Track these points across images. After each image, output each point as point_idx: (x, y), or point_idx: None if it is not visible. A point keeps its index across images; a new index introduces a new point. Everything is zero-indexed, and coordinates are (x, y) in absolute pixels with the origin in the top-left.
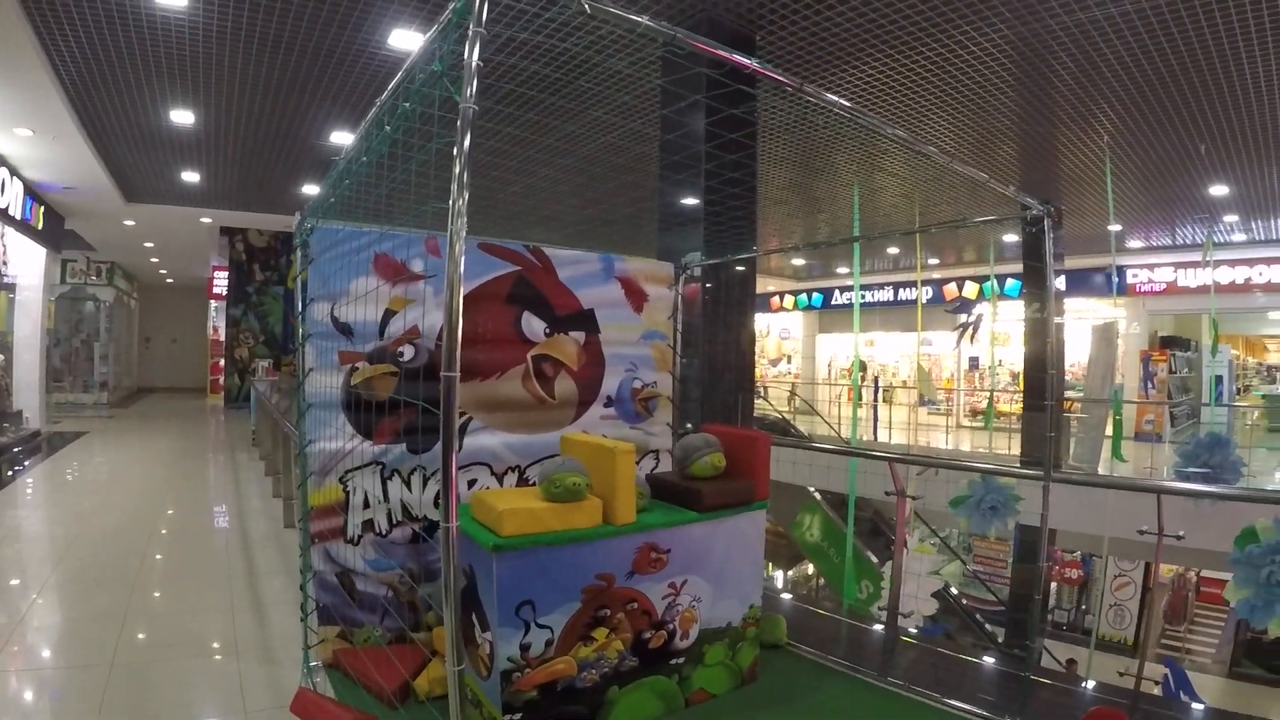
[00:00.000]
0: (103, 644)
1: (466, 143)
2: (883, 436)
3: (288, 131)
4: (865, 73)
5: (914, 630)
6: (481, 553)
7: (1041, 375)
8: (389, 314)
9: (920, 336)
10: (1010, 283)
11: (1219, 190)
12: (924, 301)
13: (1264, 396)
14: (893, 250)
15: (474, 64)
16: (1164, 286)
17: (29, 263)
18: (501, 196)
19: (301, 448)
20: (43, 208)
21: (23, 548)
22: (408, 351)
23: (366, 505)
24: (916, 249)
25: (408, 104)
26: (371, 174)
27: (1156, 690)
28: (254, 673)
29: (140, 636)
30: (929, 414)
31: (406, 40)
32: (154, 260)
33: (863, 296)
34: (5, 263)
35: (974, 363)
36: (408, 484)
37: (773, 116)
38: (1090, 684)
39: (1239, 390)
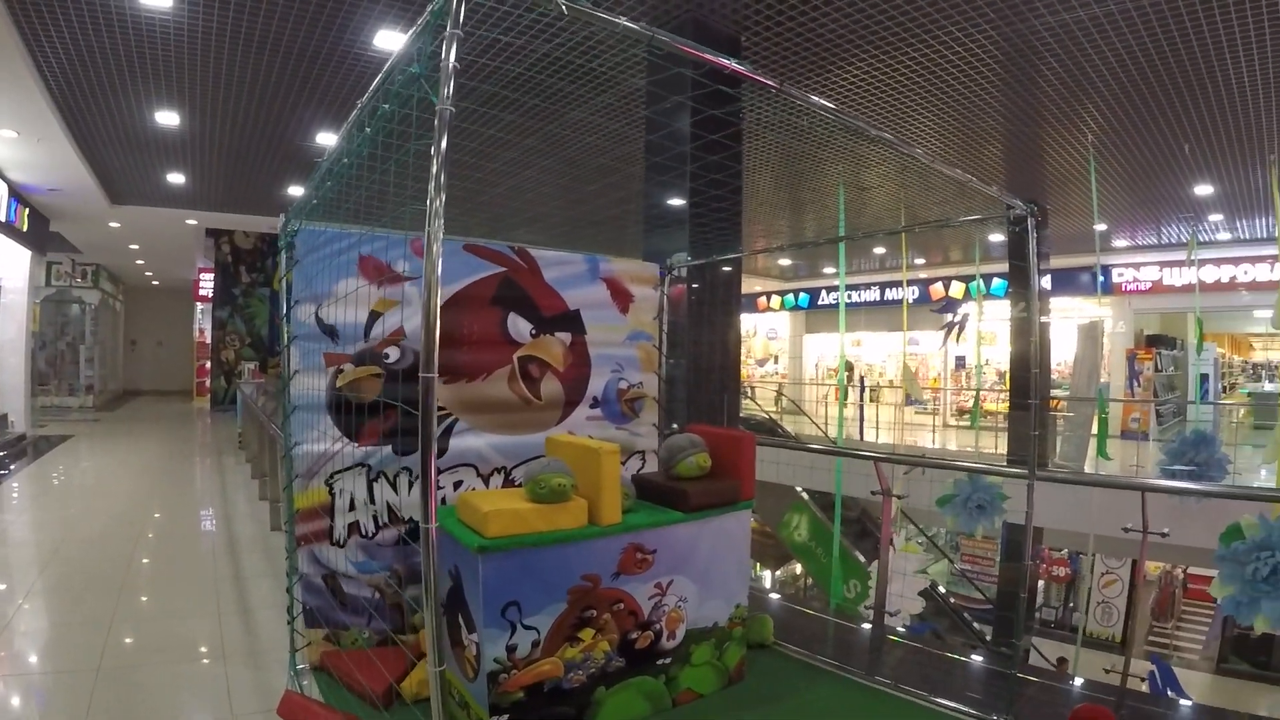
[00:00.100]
0: (89, 649)
1: (444, 144)
2: (869, 436)
3: (273, 133)
4: (851, 74)
5: (901, 629)
6: (467, 554)
7: (1027, 374)
8: (374, 316)
9: (906, 336)
10: (996, 282)
11: (1203, 189)
12: (910, 301)
13: (1249, 394)
14: (879, 250)
15: (451, 65)
16: (1149, 285)
17: (13, 265)
18: (486, 198)
19: (287, 450)
20: (28, 210)
21: (8, 552)
22: (393, 353)
23: (352, 507)
24: (902, 249)
25: (387, 106)
26: (354, 176)
27: (1143, 687)
28: (241, 676)
29: (127, 641)
30: (915, 413)
31: (391, 41)
32: (139, 262)
33: (849, 296)
34: None
35: (960, 362)
36: (393, 486)
37: (758, 117)
38: (1078, 681)
39: (1225, 388)
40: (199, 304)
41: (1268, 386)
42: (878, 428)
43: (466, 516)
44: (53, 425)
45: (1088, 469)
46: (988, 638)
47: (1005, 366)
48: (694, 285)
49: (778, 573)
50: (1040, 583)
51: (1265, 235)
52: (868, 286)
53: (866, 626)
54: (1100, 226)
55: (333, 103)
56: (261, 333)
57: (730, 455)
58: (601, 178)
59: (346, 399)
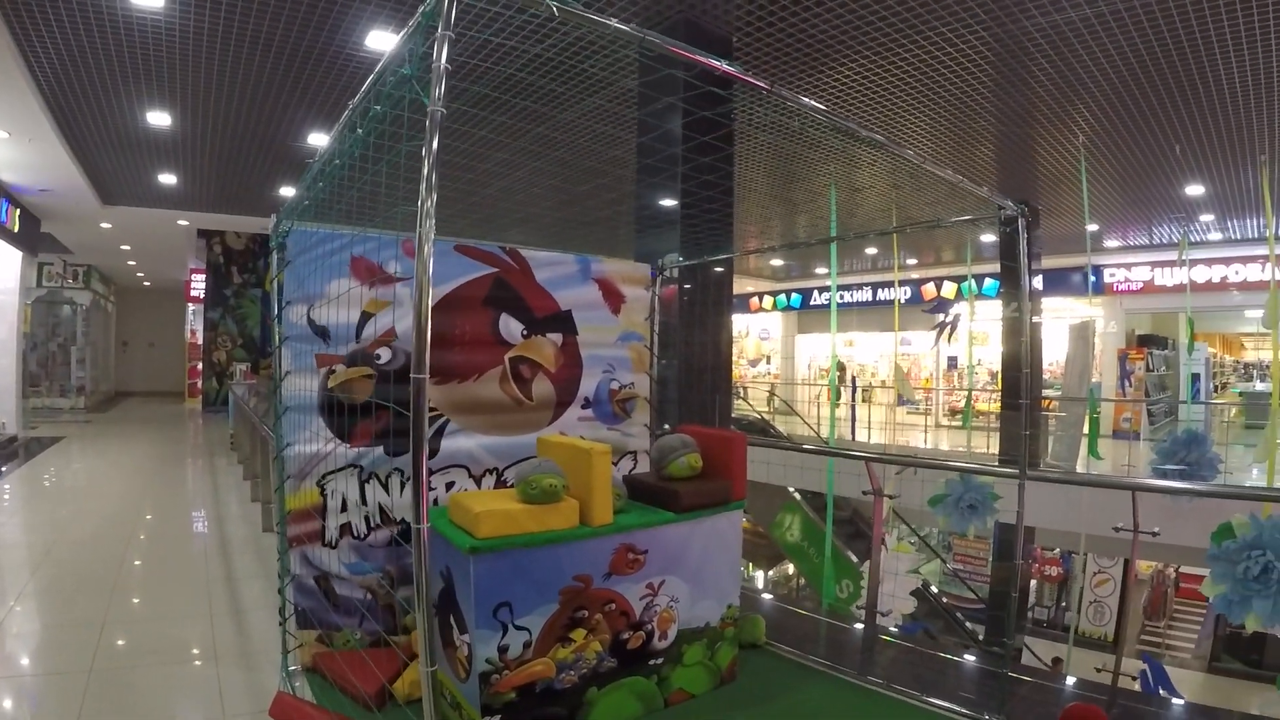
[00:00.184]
0: (81, 650)
1: (435, 145)
2: (861, 436)
3: (265, 133)
4: (843, 75)
5: (893, 629)
6: (458, 555)
7: (1019, 374)
8: (366, 316)
9: (898, 336)
10: (988, 282)
11: (1194, 190)
12: (902, 301)
13: (1241, 394)
14: (871, 251)
15: (442, 66)
16: (1140, 285)
17: (4, 266)
18: (478, 198)
19: (279, 451)
20: (18, 210)
21: (0, 554)
22: (384, 354)
23: (344, 509)
24: (894, 249)
25: (379, 107)
26: (345, 176)
27: (1135, 686)
28: (233, 678)
29: (119, 643)
30: (907, 413)
31: (384, 41)
32: (131, 263)
33: (841, 297)
34: None
35: (952, 362)
36: (385, 487)
37: (750, 118)
38: (1070, 680)
39: (1216, 388)
40: (190, 305)
41: (1259, 386)
42: (869, 428)
43: (458, 517)
44: (44, 427)
45: (1079, 468)
46: (980, 637)
47: (997, 366)
48: (686, 286)
49: (770, 573)
50: (1032, 582)
51: (1256, 235)
52: (860, 287)
53: (859, 626)
54: (1092, 227)
55: (324, 103)
56: (253, 334)
57: (722, 455)
58: (593, 178)
59: (338, 400)
